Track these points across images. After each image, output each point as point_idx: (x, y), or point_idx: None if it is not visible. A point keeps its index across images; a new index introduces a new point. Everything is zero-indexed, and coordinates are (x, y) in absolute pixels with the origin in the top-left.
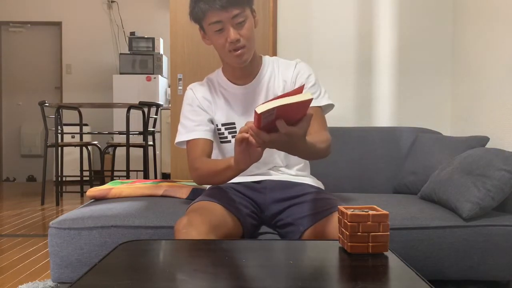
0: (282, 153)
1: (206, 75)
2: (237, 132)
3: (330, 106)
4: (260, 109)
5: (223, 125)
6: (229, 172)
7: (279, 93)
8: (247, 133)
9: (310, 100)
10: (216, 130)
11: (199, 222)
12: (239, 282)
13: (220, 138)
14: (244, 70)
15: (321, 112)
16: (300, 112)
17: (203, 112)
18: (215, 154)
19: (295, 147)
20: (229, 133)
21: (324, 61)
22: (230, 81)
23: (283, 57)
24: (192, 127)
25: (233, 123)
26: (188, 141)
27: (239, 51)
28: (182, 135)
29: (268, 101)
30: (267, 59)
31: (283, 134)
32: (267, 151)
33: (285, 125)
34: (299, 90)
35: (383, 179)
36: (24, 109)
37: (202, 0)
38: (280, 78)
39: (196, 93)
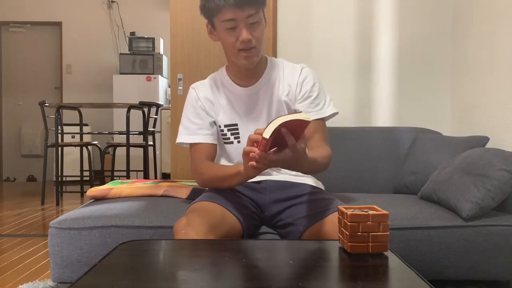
0: None
1: (206, 75)
2: (239, 133)
3: (334, 113)
4: (267, 133)
5: (225, 126)
6: (237, 178)
7: (283, 98)
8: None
9: (308, 122)
10: (219, 131)
11: (198, 223)
12: (239, 282)
13: (223, 139)
14: (249, 71)
15: (323, 125)
16: (298, 134)
17: (205, 115)
18: (218, 155)
19: (298, 163)
20: (232, 134)
21: (324, 61)
22: (234, 82)
23: (282, 57)
24: (193, 130)
25: (236, 124)
26: (191, 145)
27: (249, 52)
28: (183, 136)
29: (268, 124)
30: (272, 61)
31: (288, 150)
32: None
33: (292, 138)
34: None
35: (383, 179)
36: (24, 109)
37: None
38: (285, 82)
39: (198, 93)
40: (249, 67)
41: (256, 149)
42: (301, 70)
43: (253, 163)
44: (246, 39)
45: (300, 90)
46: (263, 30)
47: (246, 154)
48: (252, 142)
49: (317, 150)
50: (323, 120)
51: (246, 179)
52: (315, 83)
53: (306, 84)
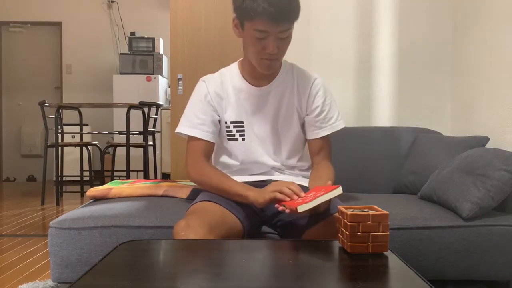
0: (284, 155)
1: (206, 76)
2: (245, 130)
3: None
4: (301, 209)
5: (232, 123)
6: (241, 199)
7: (293, 104)
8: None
9: (340, 194)
10: (224, 127)
11: (197, 224)
12: (239, 282)
13: (228, 135)
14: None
15: (329, 139)
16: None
17: (210, 112)
18: (221, 152)
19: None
20: (237, 131)
21: (324, 61)
22: (245, 79)
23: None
24: (195, 123)
25: (242, 122)
26: (189, 137)
27: (271, 62)
28: (184, 127)
29: (305, 197)
30: (286, 65)
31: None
32: (270, 151)
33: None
34: (334, 187)
35: (383, 179)
36: (24, 109)
37: (257, 1)
38: (295, 90)
39: (209, 87)
40: (268, 73)
41: (288, 198)
42: (314, 81)
43: (283, 208)
44: (272, 52)
45: (312, 103)
46: (289, 43)
47: (275, 199)
48: (283, 195)
49: (322, 172)
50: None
51: (249, 203)
52: (326, 96)
53: (318, 98)
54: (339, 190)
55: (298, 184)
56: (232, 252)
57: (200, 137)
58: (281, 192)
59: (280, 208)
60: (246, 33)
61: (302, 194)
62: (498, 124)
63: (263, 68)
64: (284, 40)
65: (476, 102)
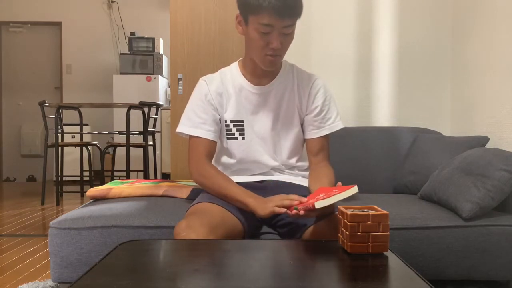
0: (285, 154)
1: (206, 75)
2: (244, 129)
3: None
4: (318, 205)
5: (232, 121)
6: (240, 205)
7: (294, 104)
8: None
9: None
10: (224, 126)
11: (198, 225)
12: (239, 282)
13: (227, 134)
14: (265, 71)
15: (328, 140)
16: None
17: (211, 111)
18: (220, 151)
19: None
20: (237, 130)
21: (324, 61)
22: (246, 78)
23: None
24: (197, 123)
25: (242, 121)
26: (191, 137)
27: (274, 58)
28: (185, 127)
29: (323, 192)
30: (286, 65)
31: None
32: (270, 151)
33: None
34: (349, 187)
35: (383, 179)
36: (24, 109)
37: None
38: (296, 91)
39: (210, 87)
40: (270, 70)
41: (296, 202)
42: (314, 81)
43: (296, 212)
44: (276, 47)
45: (312, 102)
46: (292, 41)
47: (279, 207)
48: (285, 205)
49: (322, 173)
50: (329, 134)
51: (248, 210)
52: (326, 97)
53: (318, 98)
54: (355, 189)
55: (297, 184)
56: (232, 252)
57: (202, 136)
58: (286, 201)
59: (293, 212)
60: (250, 28)
61: (304, 199)
62: (498, 124)
63: (266, 65)
64: (288, 36)
65: (476, 102)
